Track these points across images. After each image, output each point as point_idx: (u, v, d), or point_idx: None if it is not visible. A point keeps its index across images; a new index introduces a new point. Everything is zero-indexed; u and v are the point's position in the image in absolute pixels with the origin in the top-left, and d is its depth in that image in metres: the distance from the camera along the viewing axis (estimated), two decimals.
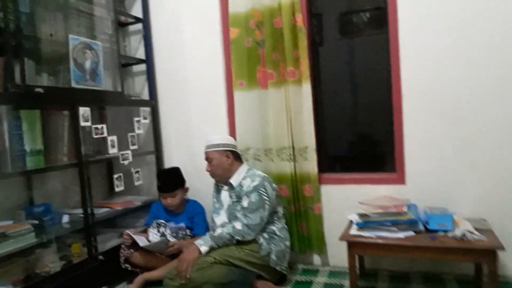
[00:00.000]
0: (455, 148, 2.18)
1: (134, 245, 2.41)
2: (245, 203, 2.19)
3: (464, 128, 2.15)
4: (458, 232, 1.81)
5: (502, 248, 1.70)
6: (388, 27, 2.32)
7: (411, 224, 1.94)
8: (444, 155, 2.20)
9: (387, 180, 2.36)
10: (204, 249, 2.09)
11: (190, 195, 2.73)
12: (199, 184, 2.74)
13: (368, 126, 3.88)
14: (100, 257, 2.38)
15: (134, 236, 2.36)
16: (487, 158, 2.12)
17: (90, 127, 2.33)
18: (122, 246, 2.45)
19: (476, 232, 1.81)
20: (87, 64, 2.36)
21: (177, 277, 2.02)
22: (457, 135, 2.17)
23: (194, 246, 2.10)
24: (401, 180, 2.31)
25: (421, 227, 1.96)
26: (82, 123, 2.28)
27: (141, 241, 2.35)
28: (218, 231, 2.16)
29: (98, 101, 2.49)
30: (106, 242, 2.57)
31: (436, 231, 1.90)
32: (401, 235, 1.90)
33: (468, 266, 2.17)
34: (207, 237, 2.15)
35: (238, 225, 2.14)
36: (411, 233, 1.91)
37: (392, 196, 2.25)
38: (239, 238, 2.12)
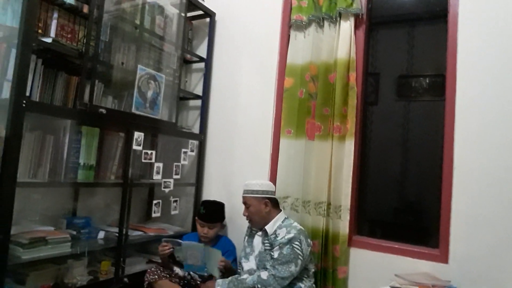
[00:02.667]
0: (508, 231, 2.00)
1: (161, 271, 2.42)
2: (276, 253, 2.13)
3: None
4: None
5: None
6: (445, 95, 2.26)
7: None
8: (494, 238, 2.03)
9: (428, 256, 2.20)
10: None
11: (221, 233, 2.73)
12: (233, 224, 2.75)
13: (415, 195, 3.71)
14: (125, 279, 2.41)
15: (173, 239, 2.37)
16: None
17: (141, 151, 2.45)
18: (148, 271, 2.47)
19: None
20: (149, 94, 2.53)
21: None
22: (510, 219, 2.00)
23: (213, 284, 2.11)
24: (443, 258, 2.15)
25: None
26: (134, 147, 2.40)
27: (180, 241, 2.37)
28: (243, 276, 2.12)
29: (152, 128, 2.63)
30: (134, 265, 2.60)
31: None
32: None
33: None
34: (228, 279, 2.12)
35: (263, 275, 2.08)
36: None
37: (432, 274, 2.09)
38: None
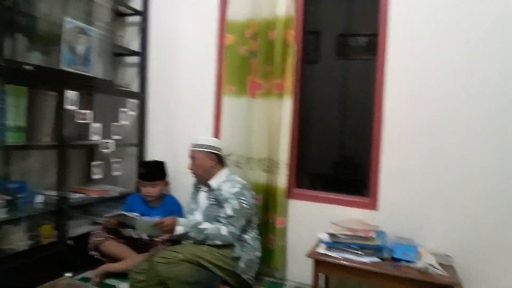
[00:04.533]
0: (429, 184, 2.22)
1: (107, 232, 2.42)
2: (229, 210, 2.19)
3: (440, 166, 2.20)
4: (421, 265, 1.86)
5: (459, 285, 1.75)
6: (377, 55, 2.36)
7: (377, 250, 1.99)
8: (417, 189, 2.25)
9: (360, 204, 2.40)
10: (179, 229, 2.12)
11: (169, 192, 2.75)
12: (178, 181, 2.78)
13: (353, 149, 3.96)
14: (69, 241, 2.38)
15: (125, 213, 2.31)
16: (457, 198, 2.17)
17: (75, 111, 2.33)
18: (93, 232, 2.45)
19: (438, 267, 1.86)
20: (80, 49, 2.36)
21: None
22: (433, 172, 2.21)
23: (175, 220, 2.14)
24: (373, 206, 2.36)
25: (387, 255, 2.00)
26: (68, 106, 2.27)
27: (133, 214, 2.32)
28: (205, 225, 2.18)
29: (86, 87, 2.48)
30: (77, 227, 2.56)
31: (400, 260, 1.94)
32: (366, 259, 1.94)
33: None
34: (191, 223, 2.17)
35: (223, 231, 2.16)
36: (376, 259, 1.95)
37: (364, 220, 2.30)
38: (219, 243, 2.14)
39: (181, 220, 2.17)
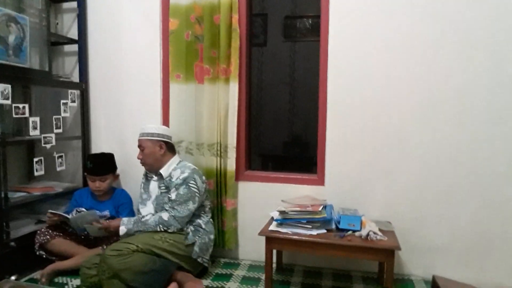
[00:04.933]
0: (370, 157, 2.38)
1: (53, 230, 2.33)
2: (173, 195, 2.21)
3: (379, 139, 2.36)
4: (363, 232, 1.99)
5: (398, 248, 1.90)
6: (320, 36, 2.45)
7: (324, 222, 2.09)
8: (360, 163, 2.39)
9: (309, 181, 2.51)
10: (122, 229, 2.16)
11: (119, 185, 2.68)
12: (127, 173, 2.72)
13: (302, 129, 4.09)
14: (12, 243, 2.26)
15: (59, 212, 2.28)
16: (395, 168, 2.34)
17: (10, 105, 2.19)
18: (38, 231, 2.34)
19: (379, 233, 2.01)
20: (11, 38, 2.21)
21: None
22: (373, 145, 2.37)
23: (119, 222, 2.19)
24: (321, 181, 2.47)
25: (333, 226, 2.12)
26: (1, 101, 2.13)
27: (69, 215, 2.29)
28: (146, 217, 2.18)
29: (21, 79, 2.34)
30: (21, 228, 2.44)
31: (346, 230, 2.07)
32: (314, 232, 2.04)
33: (373, 265, 2.39)
34: (132, 219, 2.19)
35: (164, 216, 2.16)
36: (323, 231, 2.06)
37: (313, 196, 2.41)
38: (164, 229, 2.14)
39: (124, 219, 2.20)
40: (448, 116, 2.25)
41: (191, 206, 2.20)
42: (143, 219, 2.18)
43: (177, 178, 2.24)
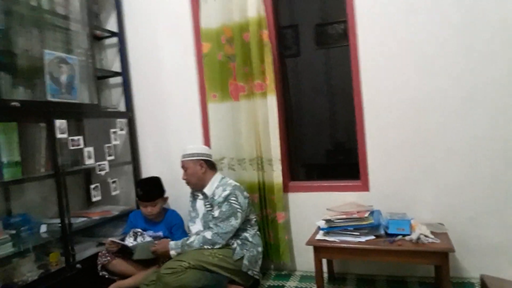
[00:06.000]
0: (414, 159, 2.32)
1: (113, 252, 2.48)
2: (216, 213, 2.29)
3: (420, 139, 2.29)
4: (414, 236, 1.93)
5: (452, 250, 1.83)
6: (348, 41, 2.44)
7: (372, 228, 2.06)
8: (404, 165, 2.34)
9: (353, 187, 2.49)
10: (173, 253, 2.25)
11: (169, 205, 2.81)
12: (177, 193, 2.82)
13: (344, 136, 4.03)
14: (78, 265, 2.44)
15: (119, 241, 2.42)
16: (443, 167, 2.26)
17: (66, 138, 2.39)
18: (100, 253, 2.50)
19: (430, 236, 1.94)
20: (63, 78, 2.43)
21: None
22: (415, 146, 2.31)
23: (166, 245, 2.30)
24: (365, 187, 2.44)
25: (382, 232, 2.08)
26: (59, 135, 2.33)
27: (128, 243, 2.42)
28: (191, 239, 2.27)
29: (74, 114, 2.56)
30: (84, 251, 2.62)
31: (395, 235, 2.02)
32: (363, 239, 2.02)
33: (429, 269, 2.30)
34: (179, 242, 2.27)
35: (208, 235, 2.24)
36: (371, 237, 2.03)
37: (358, 202, 2.38)
38: (208, 247, 2.21)
39: (172, 243, 2.30)
40: (491, 109, 2.15)
41: (234, 222, 2.25)
42: (188, 242, 2.26)
43: (219, 196, 2.31)
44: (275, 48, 2.63)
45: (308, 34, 4.13)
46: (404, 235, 2.00)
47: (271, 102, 2.54)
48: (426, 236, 1.92)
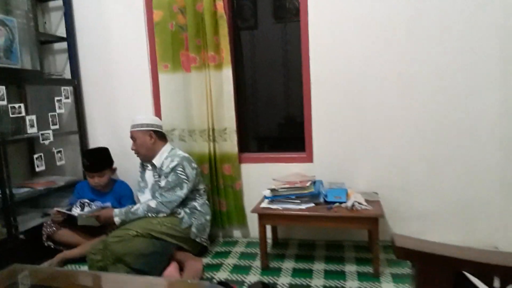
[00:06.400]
0: (355, 133, 2.47)
1: (59, 223, 2.45)
2: (162, 183, 2.33)
3: (362, 116, 2.45)
4: (349, 203, 2.10)
5: (381, 216, 2.01)
6: (299, 17, 2.50)
7: (312, 197, 2.20)
8: (345, 139, 2.49)
9: (298, 159, 2.61)
10: (117, 220, 2.28)
11: (118, 175, 2.79)
12: (126, 164, 2.82)
13: (297, 109, 4.15)
14: (21, 236, 2.40)
15: (65, 211, 2.40)
16: (380, 142, 2.44)
17: (6, 106, 2.29)
18: (45, 224, 2.47)
19: (364, 203, 2.11)
20: (0, 41, 2.29)
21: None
22: (357, 121, 2.46)
23: (110, 212, 2.32)
24: (309, 159, 2.58)
25: (321, 200, 2.23)
26: None
27: (74, 213, 2.41)
28: (135, 206, 2.30)
29: (14, 80, 2.43)
30: (28, 221, 2.58)
31: (333, 203, 2.18)
32: (303, 206, 2.16)
33: (363, 233, 2.51)
34: (123, 209, 2.31)
35: (152, 203, 2.28)
36: (311, 205, 2.17)
37: (302, 173, 2.51)
38: (153, 215, 2.26)
39: (116, 210, 2.32)
40: (428, 88, 2.33)
41: (179, 192, 2.30)
42: (132, 209, 2.29)
43: (166, 167, 2.34)
44: (230, 20, 2.62)
45: (266, 7, 4.14)
46: (340, 203, 2.16)
47: (227, 74, 2.57)
48: (360, 203, 2.09)
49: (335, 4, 2.40)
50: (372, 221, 2.02)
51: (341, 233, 2.58)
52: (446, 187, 2.37)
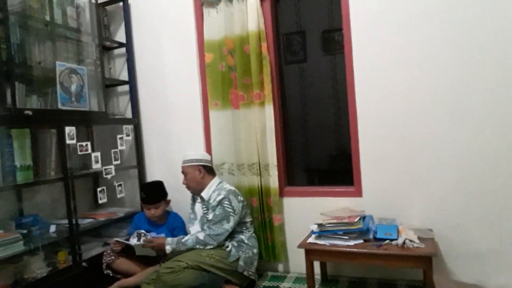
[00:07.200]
0: (404, 165, 2.40)
1: (118, 252, 2.61)
2: (210, 216, 2.42)
3: (411, 147, 2.38)
4: (400, 240, 2.02)
5: (434, 254, 1.91)
6: (343, 49, 2.55)
7: (361, 233, 2.15)
8: (395, 172, 2.42)
9: (347, 193, 2.58)
10: (168, 248, 2.38)
11: (171, 207, 2.94)
12: (179, 196, 2.95)
13: (344, 142, 4.11)
14: (84, 264, 2.58)
15: (123, 241, 2.56)
16: (432, 175, 2.34)
17: (75, 144, 2.55)
18: (105, 253, 2.65)
19: (416, 240, 2.02)
20: (73, 87, 2.59)
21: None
22: (406, 153, 2.39)
23: (163, 240, 2.42)
24: (358, 193, 2.53)
25: (371, 236, 2.17)
26: (68, 141, 2.49)
27: (132, 243, 2.55)
28: (186, 237, 2.41)
29: (83, 121, 2.71)
30: (91, 250, 2.77)
31: (383, 239, 2.11)
32: (351, 243, 2.11)
33: (417, 273, 2.37)
34: (175, 239, 2.41)
35: (201, 236, 2.36)
36: (360, 241, 2.12)
37: (351, 208, 2.47)
38: (201, 247, 2.34)
39: (168, 239, 2.42)
40: (481, 118, 2.22)
41: (226, 225, 2.37)
42: (183, 240, 2.39)
43: (214, 200, 2.44)
44: (273, 60, 2.75)
45: (316, 40, 4.25)
46: (391, 240, 2.08)
47: (269, 111, 2.66)
48: (411, 241, 2.00)
49: (378, 36, 2.41)
50: (425, 260, 1.93)
51: (394, 272, 2.46)
52: (506, 222, 2.20)
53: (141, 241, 2.57)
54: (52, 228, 2.57)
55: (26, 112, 2.29)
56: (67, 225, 2.53)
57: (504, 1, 2.14)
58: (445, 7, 2.25)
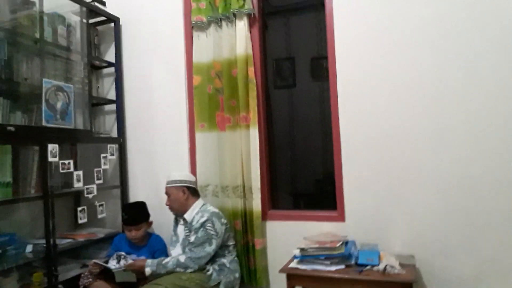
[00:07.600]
0: (387, 190, 2.42)
1: (97, 274, 2.53)
2: (192, 238, 2.39)
3: (394, 172, 2.40)
4: (381, 266, 2.02)
5: (414, 281, 1.91)
6: (328, 76, 2.61)
7: (343, 258, 2.14)
8: (377, 196, 2.44)
9: (330, 217, 2.58)
10: (147, 270, 2.32)
11: (153, 229, 2.89)
12: (162, 218, 2.91)
13: (329, 166, 4.14)
14: (60, 286, 2.49)
15: (102, 264, 2.49)
16: (415, 201, 2.36)
17: (57, 162, 2.52)
18: (82, 275, 2.57)
19: (397, 267, 2.02)
20: (58, 105, 2.58)
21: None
22: (389, 178, 2.42)
23: (143, 263, 2.36)
24: (341, 218, 2.53)
25: (353, 262, 2.16)
26: (50, 159, 2.46)
27: (111, 265, 2.48)
28: (167, 259, 2.36)
29: (67, 138, 2.69)
30: (68, 272, 2.68)
31: (365, 265, 2.10)
32: (333, 268, 2.10)
33: None
34: (155, 261, 2.36)
35: (182, 258, 2.32)
36: (342, 267, 2.11)
37: (333, 232, 2.47)
38: (181, 270, 2.29)
39: (148, 261, 2.37)
40: (463, 142, 2.26)
41: (208, 248, 2.33)
42: (163, 262, 2.34)
43: (196, 222, 2.41)
44: (260, 84, 2.79)
45: (305, 66, 4.35)
46: (373, 266, 2.08)
47: (254, 134, 2.68)
48: (392, 266, 2.00)
49: (363, 64, 2.48)
50: (405, 286, 1.92)
51: None
52: (488, 249, 2.21)
53: (121, 264, 2.51)
54: (29, 248, 2.49)
55: (9, 128, 2.26)
56: (45, 245, 2.46)
57: (485, 25, 2.22)
58: (427, 32, 2.34)
